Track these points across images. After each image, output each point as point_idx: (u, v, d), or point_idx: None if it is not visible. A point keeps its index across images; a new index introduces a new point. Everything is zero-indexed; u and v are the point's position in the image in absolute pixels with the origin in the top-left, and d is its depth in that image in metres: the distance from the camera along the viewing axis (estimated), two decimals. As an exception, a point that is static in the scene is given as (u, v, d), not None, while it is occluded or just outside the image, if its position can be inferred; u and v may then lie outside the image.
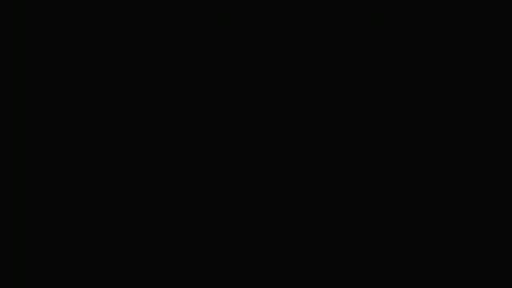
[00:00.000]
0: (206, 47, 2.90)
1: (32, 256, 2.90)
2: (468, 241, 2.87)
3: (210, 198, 2.90)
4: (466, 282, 2.87)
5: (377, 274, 2.88)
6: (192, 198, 2.90)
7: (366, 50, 2.88)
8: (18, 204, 2.86)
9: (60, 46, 2.91)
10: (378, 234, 2.88)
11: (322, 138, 2.88)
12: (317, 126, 2.88)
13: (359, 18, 2.88)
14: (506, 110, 2.87)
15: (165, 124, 2.90)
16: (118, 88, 2.91)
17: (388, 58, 2.88)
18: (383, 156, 2.88)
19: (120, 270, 2.89)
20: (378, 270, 2.88)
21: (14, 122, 2.86)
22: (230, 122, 2.90)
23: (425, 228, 2.88)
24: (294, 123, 2.88)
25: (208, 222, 2.90)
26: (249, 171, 2.90)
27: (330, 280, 2.88)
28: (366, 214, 2.88)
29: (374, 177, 2.88)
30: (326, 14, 2.89)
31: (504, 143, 2.87)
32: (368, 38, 2.89)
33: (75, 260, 2.90)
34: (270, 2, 2.89)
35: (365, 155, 2.88)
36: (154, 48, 2.90)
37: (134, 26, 2.91)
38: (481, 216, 2.87)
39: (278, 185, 2.89)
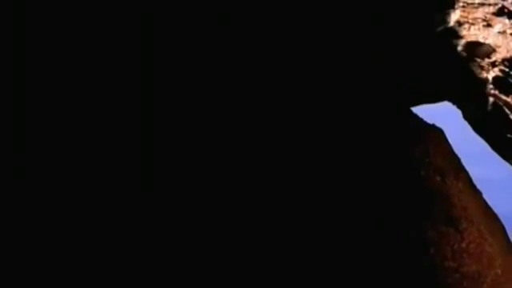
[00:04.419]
0: (205, 47, 2.92)
1: (32, 255, 2.90)
2: None
3: (209, 197, 2.92)
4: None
5: (375, 273, 2.90)
6: (191, 198, 2.92)
7: (364, 50, 2.91)
8: (18, 203, 2.86)
9: (60, 46, 2.92)
10: (376, 233, 2.91)
11: (321, 138, 2.91)
12: (315, 126, 2.91)
13: (359, 17, 2.91)
14: None
15: (164, 124, 2.91)
16: (117, 88, 2.92)
17: (387, 57, 2.92)
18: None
19: (119, 270, 2.90)
20: (377, 270, 2.90)
21: (14, 122, 2.86)
22: (229, 122, 2.92)
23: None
24: (294, 122, 2.91)
25: (206, 222, 2.92)
26: (248, 171, 2.92)
27: (329, 280, 2.90)
28: (365, 214, 2.91)
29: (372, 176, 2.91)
30: (326, 13, 2.92)
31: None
32: (368, 37, 2.92)
33: (75, 260, 2.90)
34: (270, 2, 2.91)
35: (363, 154, 2.91)
36: (154, 48, 2.92)
37: (134, 26, 2.92)
38: None
39: (277, 184, 2.91)
